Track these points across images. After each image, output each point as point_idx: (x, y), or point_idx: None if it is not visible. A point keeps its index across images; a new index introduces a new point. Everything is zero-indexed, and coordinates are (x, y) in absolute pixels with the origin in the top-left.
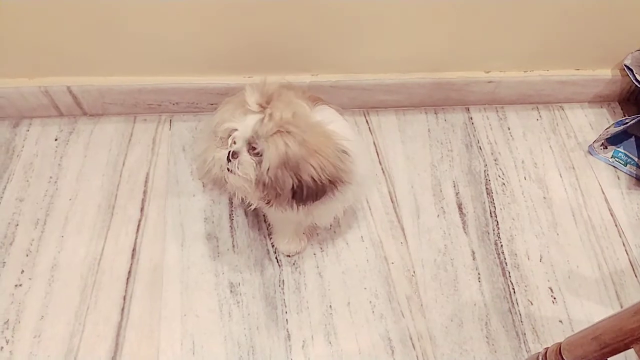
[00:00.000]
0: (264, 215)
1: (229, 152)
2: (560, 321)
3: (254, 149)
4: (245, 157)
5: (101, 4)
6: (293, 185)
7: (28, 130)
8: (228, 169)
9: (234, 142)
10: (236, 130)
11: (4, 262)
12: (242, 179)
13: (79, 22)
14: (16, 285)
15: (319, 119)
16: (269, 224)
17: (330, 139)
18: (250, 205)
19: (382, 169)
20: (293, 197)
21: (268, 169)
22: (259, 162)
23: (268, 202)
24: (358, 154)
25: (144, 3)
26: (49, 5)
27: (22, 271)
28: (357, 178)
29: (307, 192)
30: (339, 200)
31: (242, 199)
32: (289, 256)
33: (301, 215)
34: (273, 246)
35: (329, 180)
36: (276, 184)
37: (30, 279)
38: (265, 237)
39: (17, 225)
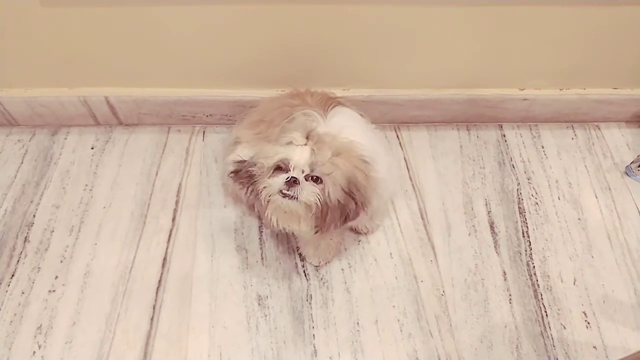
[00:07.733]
0: None
1: (289, 177)
2: (595, 347)
3: (313, 177)
4: (307, 183)
5: (139, 18)
6: (356, 203)
7: (66, 139)
8: (285, 195)
9: (292, 169)
10: (289, 160)
11: (39, 268)
12: (301, 205)
13: (118, 35)
14: (50, 291)
15: (332, 123)
16: (295, 236)
17: (362, 162)
18: (292, 233)
19: (413, 184)
20: (345, 219)
21: (330, 192)
22: (321, 189)
23: (318, 228)
24: (375, 159)
25: (180, 18)
26: (90, 19)
27: (56, 277)
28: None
29: (353, 213)
30: None
31: (282, 228)
32: (317, 267)
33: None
34: (301, 260)
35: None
36: (342, 205)
37: (63, 285)
38: (293, 250)
39: (53, 231)
